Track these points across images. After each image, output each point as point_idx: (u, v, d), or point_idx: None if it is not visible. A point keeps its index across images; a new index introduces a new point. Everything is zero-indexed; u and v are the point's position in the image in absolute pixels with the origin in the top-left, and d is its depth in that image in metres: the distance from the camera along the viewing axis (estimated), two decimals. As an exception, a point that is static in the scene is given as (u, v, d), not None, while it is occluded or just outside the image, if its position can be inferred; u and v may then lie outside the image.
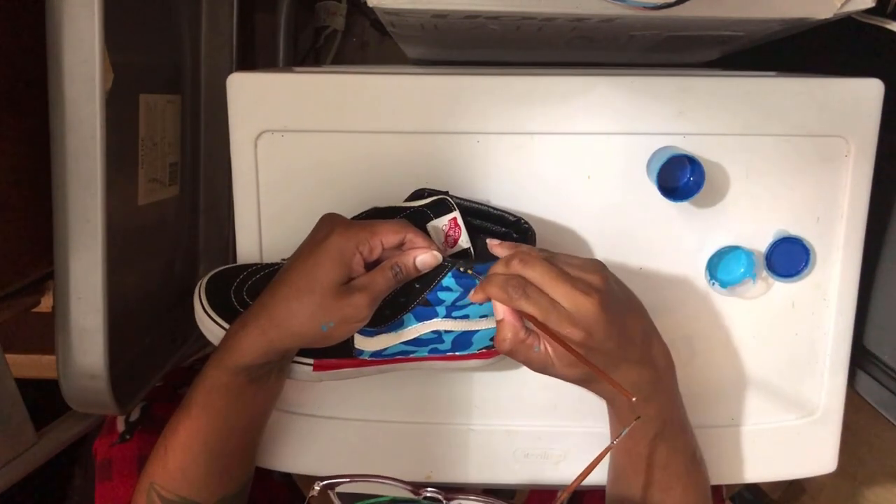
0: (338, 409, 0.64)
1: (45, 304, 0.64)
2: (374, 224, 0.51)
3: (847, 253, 0.61)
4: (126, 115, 0.68)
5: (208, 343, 0.90)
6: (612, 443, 0.50)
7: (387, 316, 0.54)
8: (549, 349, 0.50)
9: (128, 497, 0.64)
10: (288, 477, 0.80)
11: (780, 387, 0.64)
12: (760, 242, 0.61)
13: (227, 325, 0.55)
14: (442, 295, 0.53)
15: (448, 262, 0.52)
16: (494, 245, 0.52)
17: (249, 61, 1.02)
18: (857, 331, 0.64)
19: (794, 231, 0.60)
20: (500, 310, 0.49)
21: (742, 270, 0.60)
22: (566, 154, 0.59)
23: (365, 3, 0.53)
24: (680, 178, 0.58)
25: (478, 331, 0.56)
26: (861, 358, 0.71)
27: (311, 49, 1.11)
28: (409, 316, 0.54)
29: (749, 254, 0.59)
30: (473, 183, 0.60)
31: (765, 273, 0.61)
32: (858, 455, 1.05)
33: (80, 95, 0.53)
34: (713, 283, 0.61)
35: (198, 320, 0.57)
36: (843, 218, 0.60)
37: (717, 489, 0.74)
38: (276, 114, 0.59)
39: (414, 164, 0.59)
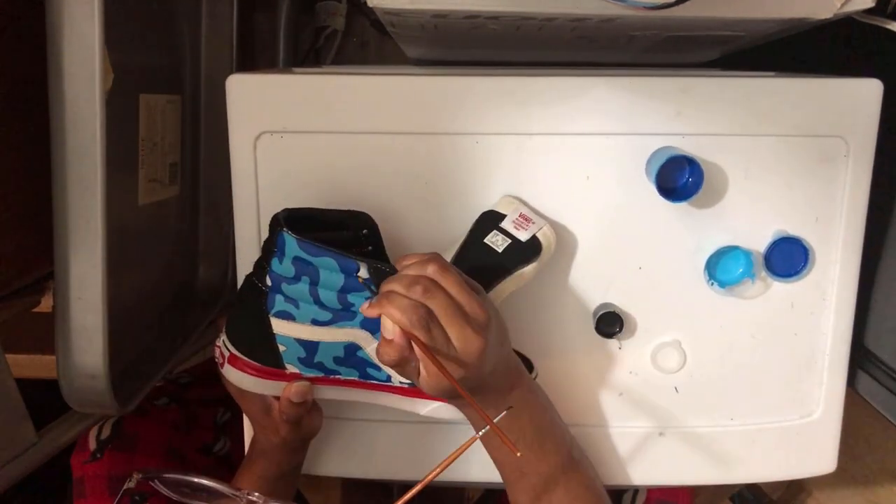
0: (339, 409, 0.64)
1: (45, 304, 0.64)
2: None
3: (846, 253, 0.61)
4: (126, 115, 0.68)
5: (207, 343, 0.90)
6: (478, 434, 0.51)
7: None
8: (423, 370, 0.49)
9: None
10: None
11: (780, 387, 0.64)
12: (759, 242, 0.61)
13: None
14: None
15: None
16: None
17: (249, 61, 1.02)
18: (857, 330, 0.64)
19: (793, 231, 0.60)
20: (391, 330, 0.48)
21: (741, 270, 0.60)
22: (565, 155, 0.59)
23: (365, 3, 0.53)
24: (679, 178, 0.58)
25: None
26: (861, 358, 0.71)
27: (312, 49, 1.11)
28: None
29: (748, 254, 0.59)
30: (472, 183, 0.60)
31: (764, 273, 0.61)
32: (858, 455, 1.05)
33: (80, 95, 0.53)
34: (712, 284, 0.61)
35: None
36: (843, 218, 0.61)
37: (686, 490, 0.74)
38: (276, 115, 0.59)
39: (413, 165, 0.59)
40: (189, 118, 0.83)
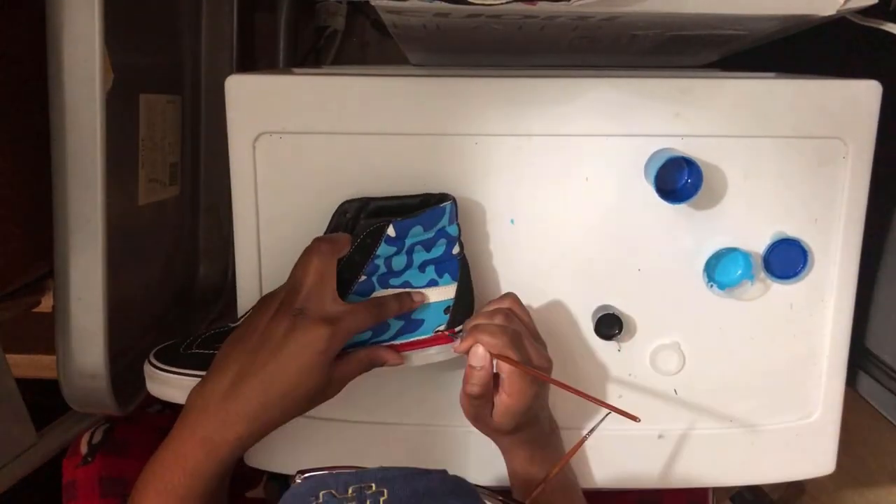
0: (339, 411, 0.64)
1: (45, 304, 0.64)
2: (344, 322, 0.51)
3: (845, 254, 0.61)
4: (126, 115, 0.68)
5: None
6: (586, 435, 0.54)
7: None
8: (503, 394, 0.53)
9: None
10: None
11: (779, 388, 0.64)
12: (758, 244, 0.61)
13: (184, 372, 0.55)
14: (377, 262, 0.54)
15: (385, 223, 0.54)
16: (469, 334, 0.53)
17: (249, 61, 1.02)
18: (857, 331, 0.64)
19: (792, 233, 0.60)
20: (482, 356, 0.51)
21: (740, 272, 0.60)
22: (564, 156, 0.59)
23: (366, 1, 0.53)
24: (678, 180, 0.58)
25: (429, 305, 0.56)
26: (862, 358, 0.71)
27: (312, 49, 1.11)
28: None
29: (747, 255, 0.59)
30: (471, 185, 0.60)
31: (763, 275, 0.61)
32: (858, 455, 1.05)
33: (80, 95, 0.53)
34: (711, 285, 0.61)
35: (154, 385, 0.56)
36: (841, 219, 0.60)
37: (703, 491, 0.74)
38: (275, 116, 0.59)
39: (412, 165, 0.59)
40: (189, 118, 0.83)
